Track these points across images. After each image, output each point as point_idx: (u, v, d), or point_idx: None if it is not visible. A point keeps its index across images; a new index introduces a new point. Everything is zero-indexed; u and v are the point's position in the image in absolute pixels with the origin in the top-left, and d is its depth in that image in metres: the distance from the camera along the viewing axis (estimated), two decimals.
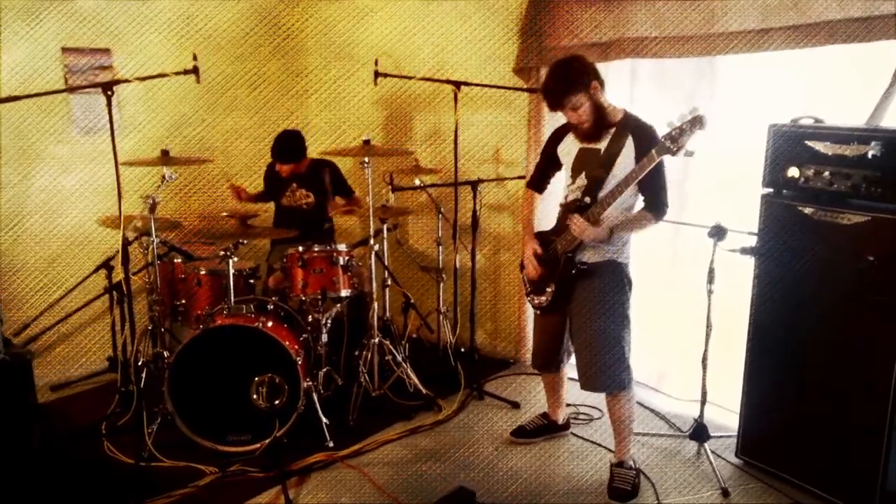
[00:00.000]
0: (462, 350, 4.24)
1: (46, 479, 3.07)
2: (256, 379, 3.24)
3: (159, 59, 3.08)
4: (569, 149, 2.97)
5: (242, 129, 3.19)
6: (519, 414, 3.73)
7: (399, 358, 3.77)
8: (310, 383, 3.36)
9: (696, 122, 2.51)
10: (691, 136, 2.52)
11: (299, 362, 3.27)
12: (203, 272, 3.73)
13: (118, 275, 3.89)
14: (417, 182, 4.06)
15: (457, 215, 3.81)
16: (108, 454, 3.27)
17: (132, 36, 2.90)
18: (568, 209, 2.88)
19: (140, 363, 3.57)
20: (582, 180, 2.86)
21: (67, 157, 3.14)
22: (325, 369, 3.70)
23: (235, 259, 3.40)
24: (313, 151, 4.12)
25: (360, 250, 3.94)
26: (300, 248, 3.58)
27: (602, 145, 2.82)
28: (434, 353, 4.28)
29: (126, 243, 3.23)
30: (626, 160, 2.75)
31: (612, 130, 2.78)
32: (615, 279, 2.89)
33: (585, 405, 3.70)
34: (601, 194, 2.77)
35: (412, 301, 4.10)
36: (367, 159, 3.48)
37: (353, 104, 3.11)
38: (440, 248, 4.24)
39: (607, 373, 2.89)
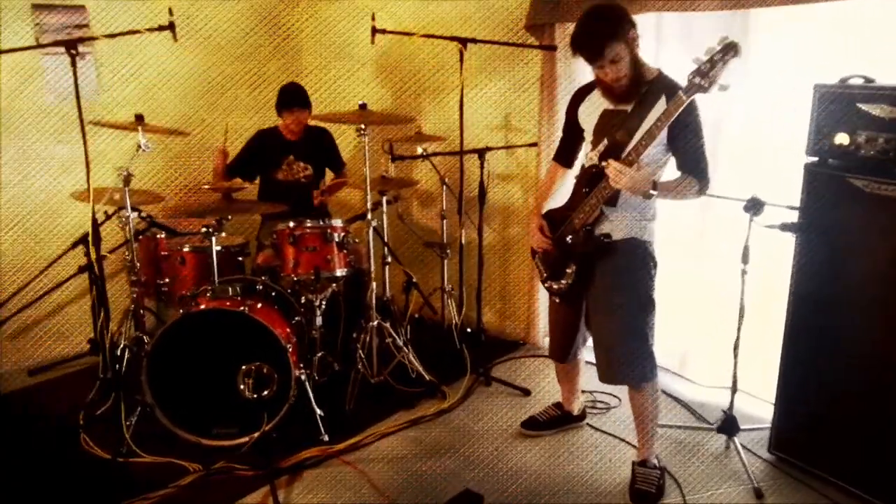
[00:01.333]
0: (468, 331, 3.96)
1: (14, 476, 2.82)
2: (243, 368, 2.96)
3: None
4: (589, 111, 2.64)
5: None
6: (530, 402, 3.45)
7: (400, 341, 3.49)
8: (302, 371, 3.08)
9: (729, 49, 2.15)
10: (725, 68, 2.16)
11: (290, 349, 2.99)
12: (187, 249, 3.44)
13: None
14: (420, 151, 3.73)
15: (462, 187, 3.50)
16: (84, 448, 3.01)
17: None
18: (585, 178, 2.56)
19: (121, 347, 3.32)
20: (604, 144, 2.52)
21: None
22: (319, 354, 3.43)
23: (219, 236, 3.09)
24: None
25: (357, 225, 3.63)
26: (291, 224, 3.28)
27: (630, 106, 2.48)
28: (438, 334, 4.00)
29: (95, 221, 2.91)
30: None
31: (644, 90, 2.44)
32: (638, 258, 2.58)
33: (602, 392, 3.42)
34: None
35: (414, 280, 3.80)
36: (363, 126, 3.16)
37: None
38: (444, 222, 3.93)
39: (629, 363, 2.60)
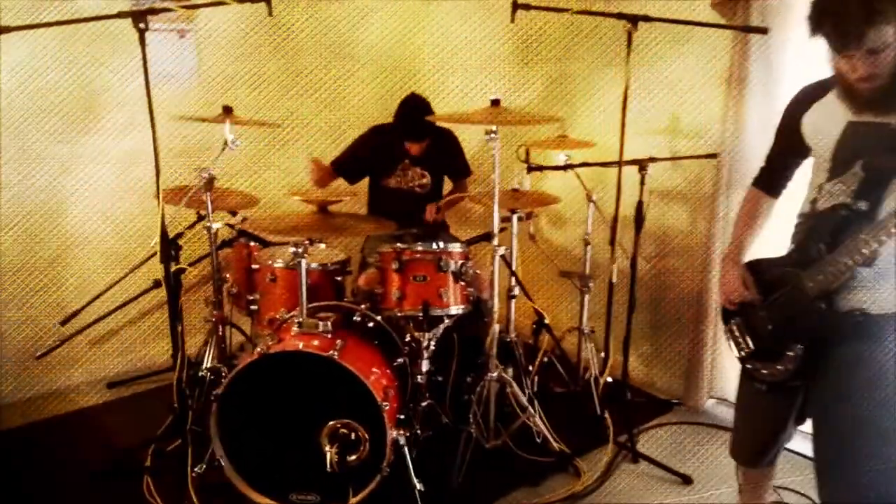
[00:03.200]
0: (609, 381, 3.18)
1: None
2: (329, 424, 2.37)
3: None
4: (821, 122, 1.81)
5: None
6: (691, 493, 2.65)
7: (524, 397, 2.77)
8: (401, 433, 2.45)
9: None
10: None
11: (386, 408, 2.36)
12: (279, 264, 2.89)
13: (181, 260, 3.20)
14: (562, 159, 2.99)
15: (619, 206, 2.74)
16: (145, 495, 2.54)
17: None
18: (824, 224, 1.74)
19: (200, 374, 2.85)
20: (854, 174, 1.69)
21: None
22: (425, 403, 2.78)
23: (307, 259, 2.51)
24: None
25: (477, 247, 2.94)
26: (399, 246, 2.64)
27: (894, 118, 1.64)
28: (571, 384, 3.25)
29: (165, 232, 2.40)
30: None
31: None
32: None
33: (792, 490, 2.56)
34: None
35: (546, 321, 3.05)
36: (494, 128, 2.46)
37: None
38: (588, 247, 3.16)
39: (868, 485, 1.75)
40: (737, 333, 2.01)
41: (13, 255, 2.94)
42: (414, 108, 3.20)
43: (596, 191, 3.07)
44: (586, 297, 3.17)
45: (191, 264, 2.83)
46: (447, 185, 3.51)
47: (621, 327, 2.98)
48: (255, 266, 2.99)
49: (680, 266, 3.25)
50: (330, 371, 2.36)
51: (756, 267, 2.00)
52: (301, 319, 2.52)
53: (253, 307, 3.00)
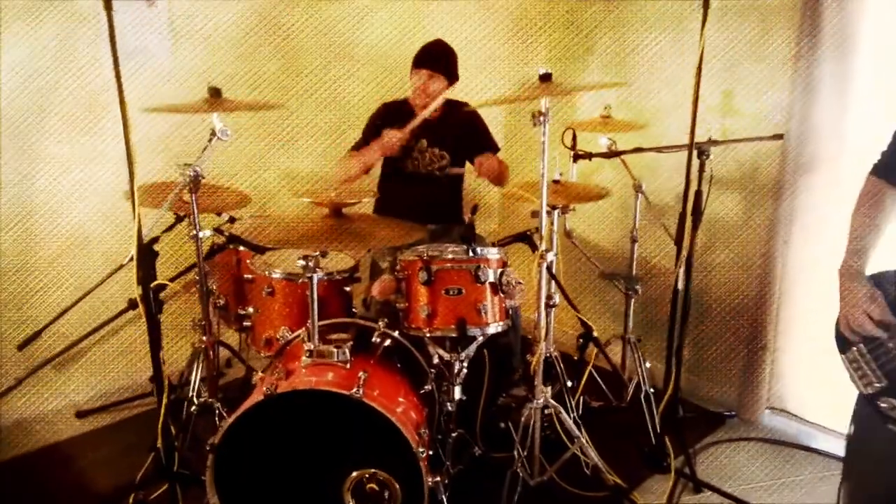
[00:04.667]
0: (652, 391, 2.80)
1: None
2: (353, 475, 1.95)
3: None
4: None
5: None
6: None
7: (571, 424, 2.36)
8: (438, 479, 2.03)
9: None
10: None
11: (423, 455, 1.94)
12: (277, 275, 2.44)
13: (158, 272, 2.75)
14: (604, 143, 2.56)
15: (687, 198, 2.35)
16: None
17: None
18: None
19: (186, 402, 2.43)
20: None
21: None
22: (455, 434, 2.38)
23: (321, 272, 2.07)
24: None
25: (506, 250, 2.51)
26: (428, 253, 2.20)
27: None
28: (613, 399, 2.87)
29: (141, 240, 1.95)
30: None
31: None
32: None
33: None
34: None
35: (595, 334, 2.64)
36: (545, 106, 2.02)
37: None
38: (634, 245, 2.76)
39: None
40: (862, 364, 1.64)
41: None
42: (434, 44, 2.90)
43: (645, 179, 2.65)
44: (632, 302, 2.77)
45: (172, 279, 2.36)
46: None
47: (659, 332, 2.61)
48: (247, 276, 2.55)
49: (734, 262, 2.87)
50: (352, 411, 1.93)
51: (881, 280, 1.62)
52: (312, 347, 2.08)
53: (246, 323, 2.57)
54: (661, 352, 2.98)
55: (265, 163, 3.29)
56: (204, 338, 2.32)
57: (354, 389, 1.90)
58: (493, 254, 2.23)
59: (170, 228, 2.70)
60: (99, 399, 3.05)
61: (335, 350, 2.07)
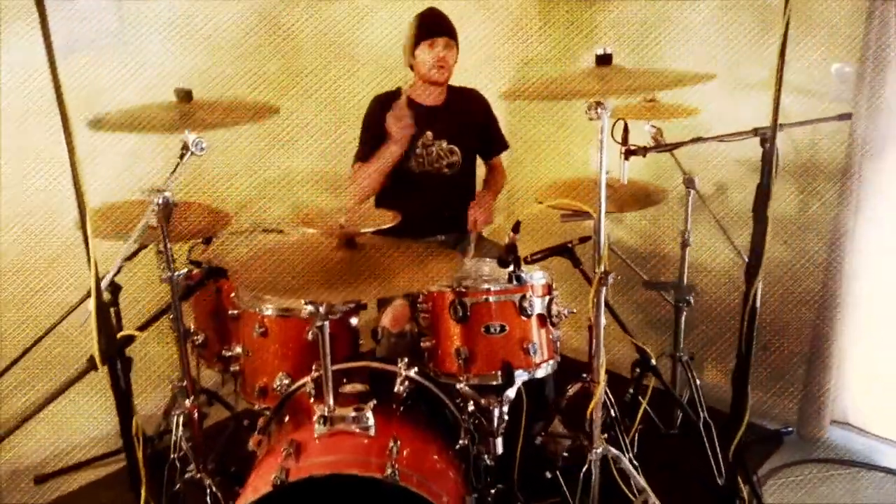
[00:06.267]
0: (700, 412, 2.45)
1: None
2: None
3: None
4: None
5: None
6: None
7: (636, 472, 2.00)
8: None
9: None
10: None
11: None
12: (269, 311, 2.02)
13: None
14: (648, 130, 2.17)
15: (770, 193, 1.99)
16: None
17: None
18: None
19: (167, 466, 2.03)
20: None
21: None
22: (495, 489, 2.00)
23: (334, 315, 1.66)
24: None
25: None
26: (462, 283, 1.79)
27: None
28: (663, 427, 2.51)
29: (98, 286, 1.53)
30: None
31: None
32: None
33: None
34: None
35: (652, 361, 2.25)
36: (601, 101, 1.62)
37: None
38: (686, 250, 2.39)
39: None
40: None
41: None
42: (425, 12, 2.53)
43: (697, 174, 2.27)
44: (683, 315, 2.41)
45: (141, 328, 1.91)
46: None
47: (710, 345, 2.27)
48: (233, 312, 2.12)
49: (793, 259, 2.52)
50: (386, 496, 1.54)
51: None
52: (325, 412, 1.66)
53: (233, 367, 2.14)
54: (713, 368, 2.70)
55: (265, 163, 3.22)
56: (187, 401, 1.88)
57: (389, 471, 1.50)
58: (538, 279, 1.83)
59: (133, 256, 2.27)
60: (61, 459, 2.64)
61: (353, 414, 1.66)
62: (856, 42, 2.21)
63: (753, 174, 2.40)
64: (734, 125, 2.14)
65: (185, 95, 1.81)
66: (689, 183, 2.29)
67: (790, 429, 2.62)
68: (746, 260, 2.17)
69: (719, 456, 2.29)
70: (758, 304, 1.98)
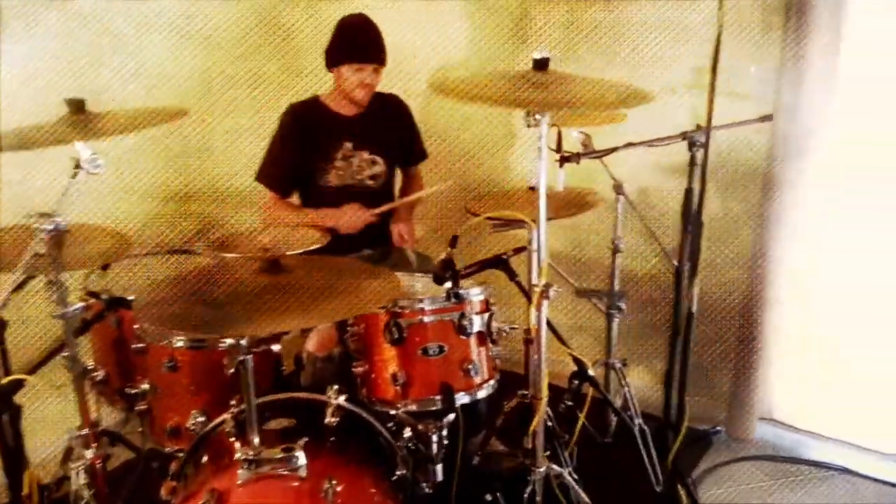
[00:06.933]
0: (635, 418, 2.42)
1: None
2: None
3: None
4: None
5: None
6: None
7: (580, 491, 1.93)
8: None
9: None
10: None
11: None
12: (180, 344, 1.83)
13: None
14: (576, 137, 2.12)
15: (703, 198, 1.97)
16: None
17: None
18: None
19: None
20: None
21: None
22: None
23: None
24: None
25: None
26: (396, 307, 1.66)
27: None
28: (598, 435, 2.46)
29: None
30: None
31: None
32: None
33: None
34: None
35: (590, 371, 2.18)
36: (539, 110, 1.54)
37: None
38: (616, 256, 2.35)
39: None
40: None
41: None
42: (356, 24, 2.42)
43: (625, 180, 2.24)
44: (615, 322, 2.37)
45: (31, 371, 1.68)
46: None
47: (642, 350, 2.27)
48: (137, 345, 1.91)
49: (715, 261, 2.53)
50: None
51: None
52: (250, 454, 1.49)
53: (140, 406, 1.94)
54: (641, 371, 2.70)
55: (174, 175, 3.05)
56: (87, 452, 1.66)
57: None
58: (476, 295, 1.73)
59: (20, 287, 2.01)
60: None
61: (283, 455, 1.50)
62: (775, 43, 2.24)
63: (674, 177, 2.43)
64: (660, 130, 2.13)
65: (77, 106, 1.59)
66: (618, 189, 2.26)
67: (719, 428, 2.64)
68: (676, 264, 2.19)
69: (655, 462, 2.28)
70: (694, 308, 1.97)
